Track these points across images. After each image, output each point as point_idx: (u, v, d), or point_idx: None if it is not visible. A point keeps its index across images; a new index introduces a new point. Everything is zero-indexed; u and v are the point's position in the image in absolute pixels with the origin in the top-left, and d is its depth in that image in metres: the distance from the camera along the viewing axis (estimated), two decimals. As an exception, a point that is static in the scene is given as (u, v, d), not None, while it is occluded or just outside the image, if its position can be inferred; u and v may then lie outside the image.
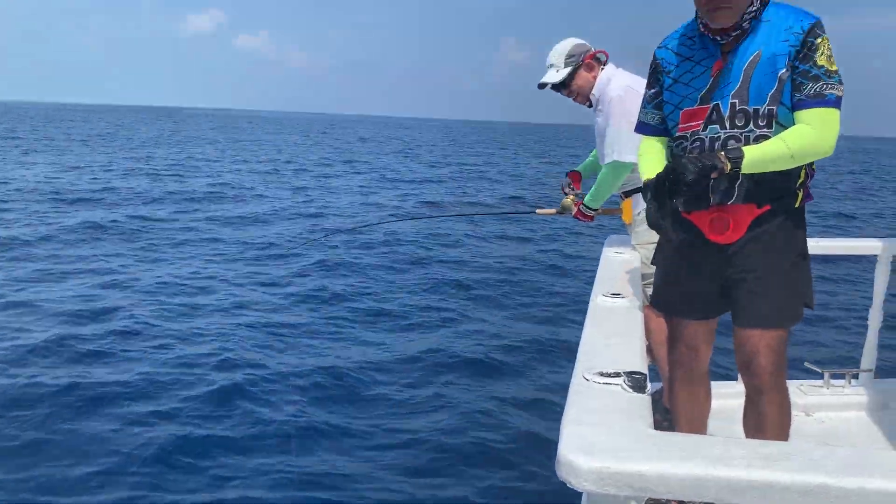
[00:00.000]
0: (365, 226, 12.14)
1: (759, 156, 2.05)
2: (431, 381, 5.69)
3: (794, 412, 3.37)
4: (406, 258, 10.43)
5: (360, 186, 21.38)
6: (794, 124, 2.10)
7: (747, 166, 2.04)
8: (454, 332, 7.00)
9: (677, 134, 2.26)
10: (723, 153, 2.05)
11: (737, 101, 2.12)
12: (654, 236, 3.14)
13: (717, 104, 2.16)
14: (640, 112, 2.41)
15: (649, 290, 3.13)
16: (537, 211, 4.05)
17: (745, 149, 2.06)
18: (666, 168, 2.11)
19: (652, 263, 2.67)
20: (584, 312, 2.10)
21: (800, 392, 3.49)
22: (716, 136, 2.16)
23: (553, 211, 3.74)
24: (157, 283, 8.39)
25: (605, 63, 3.33)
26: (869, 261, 3.59)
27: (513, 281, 9.10)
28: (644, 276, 3.09)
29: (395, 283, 8.93)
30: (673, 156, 2.27)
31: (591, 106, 3.36)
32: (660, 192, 2.07)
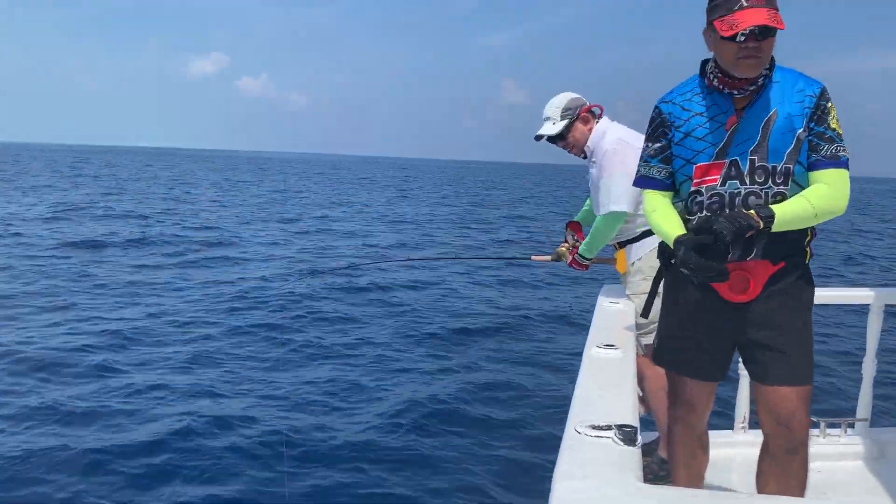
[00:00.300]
0: (357, 266, 12.04)
1: (789, 215, 2.09)
2: (418, 432, 5.60)
3: (790, 462, 3.38)
4: (397, 301, 10.39)
5: (358, 227, 21.47)
6: (807, 182, 2.17)
7: (778, 225, 2.07)
8: (444, 379, 6.89)
9: (692, 188, 2.26)
10: (753, 212, 2.08)
11: (756, 157, 2.15)
12: (649, 286, 3.20)
13: (736, 160, 2.17)
14: (643, 166, 2.38)
15: (644, 340, 3.17)
16: (533, 257, 4.10)
17: (774, 207, 2.09)
18: (700, 226, 2.13)
19: (643, 316, 2.72)
20: (578, 362, 2.13)
21: (796, 441, 3.49)
22: (735, 191, 2.17)
23: (548, 258, 3.79)
24: (127, 326, 8.36)
25: (599, 116, 3.42)
26: (863, 309, 3.63)
27: (507, 328, 9.05)
28: (639, 326, 3.13)
29: (385, 327, 8.89)
30: (707, 215, 2.20)
31: (585, 158, 3.44)
32: (703, 250, 2.08)
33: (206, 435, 5.36)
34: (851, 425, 3.61)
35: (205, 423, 5.54)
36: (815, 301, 2.33)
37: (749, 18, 2.02)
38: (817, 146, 2.15)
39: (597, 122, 3.40)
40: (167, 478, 4.76)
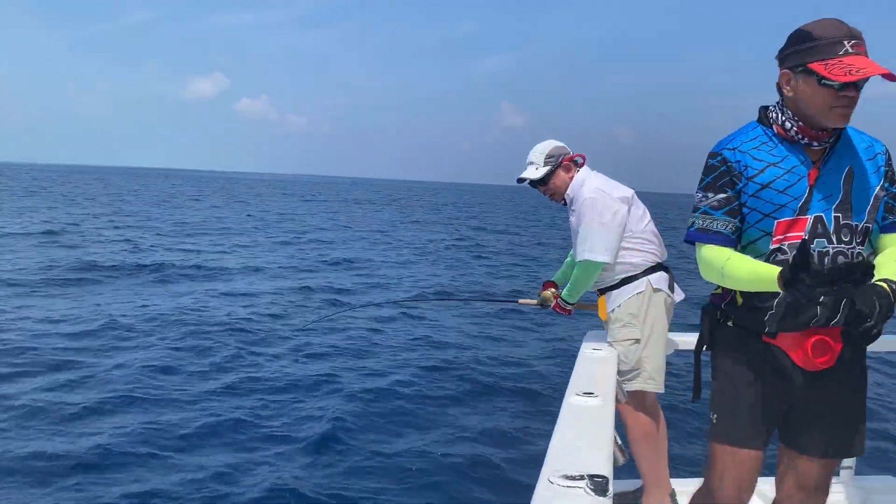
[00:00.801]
0: (341, 312, 11.95)
1: None
2: (382, 489, 5.28)
3: (774, 510, 3.36)
4: (382, 343, 10.24)
5: (346, 259, 21.19)
6: (878, 243, 2.14)
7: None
8: (418, 427, 6.61)
9: (772, 245, 2.09)
10: (886, 285, 1.85)
11: (840, 215, 2.05)
12: (630, 333, 3.22)
13: (820, 216, 2.05)
14: (702, 218, 2.17)
15: (626, 387, 3.19)
16: (520, 301, 4.14)
17: (889, 273, 1.93)
18: (842, 303, 2.00)
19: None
20: (557, 411, 2.13)
21: (781, 489, 3.48)
22: (823, 250, 2.05)
23: (534, 302, 3.83)
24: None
25: (581, 166, 3.51)
26: None
27: (488, 373, 8.90)
28: (621, 374, 3.15)
29: (363, 368, 8.76)
30: (853, 293, 1.88)
31: (565, 204, 3.51)
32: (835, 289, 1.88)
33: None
34: (836, 472, 3.60)
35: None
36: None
37: (869, 66, 1.88)
38: (893, 207, 2.12)
39: (577, 170, 3.48)
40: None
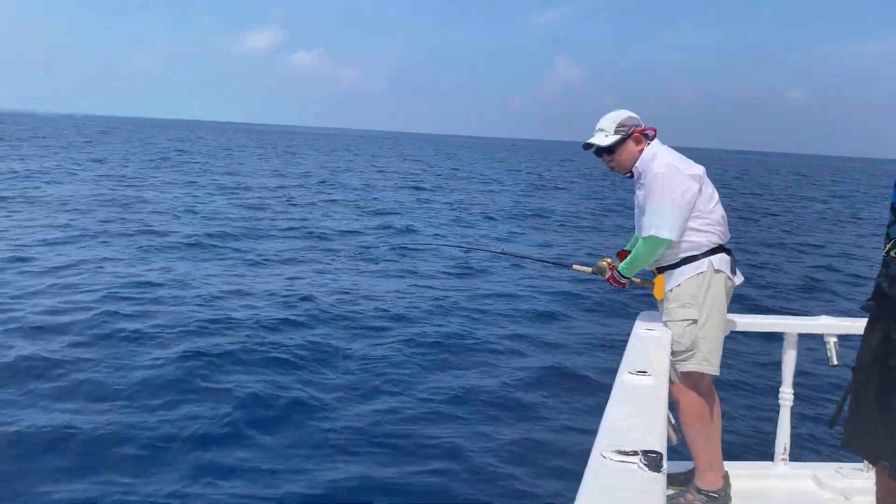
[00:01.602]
0: (406, 247, 12.90)
1: None
2: (439, 438, 5.61)
3: (832, 496, 3.31)
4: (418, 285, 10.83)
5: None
6: None
7: None
8: (466, 391, 6.85)
9: None
10: None
11: None
12: (688, 313, 3.18)
13: None
14: None
15: (679, 368, 3.15)
16: (574, 266, 4.05)
17: None
18: None
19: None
20: (610, 387, 2.13)
21: (839, 475, 3.41)
22: None
23: (589, 270, 3.76)
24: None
25: (651, 139, 3.42)
26: None
27: (539, 343, 8.98)
28: (675, 354, 3.11)
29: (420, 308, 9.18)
30: None
31: (632, 177, 3.44)
32: None
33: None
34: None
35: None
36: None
37: None
38: None
39: (648, 144, 3.40)
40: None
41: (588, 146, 3.46)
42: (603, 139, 3.40)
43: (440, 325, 8.92)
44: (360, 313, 9.24)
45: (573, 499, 1.31)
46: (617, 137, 3.37)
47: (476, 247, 14.79)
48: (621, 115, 3.42)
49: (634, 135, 3.37)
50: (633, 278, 3.49)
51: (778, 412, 3.53)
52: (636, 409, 1.92)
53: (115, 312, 8.53)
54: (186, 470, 4.95)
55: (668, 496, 2.82)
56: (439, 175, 41.95)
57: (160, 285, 10.13)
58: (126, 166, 33.73)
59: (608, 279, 3.58)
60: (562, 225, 21.25)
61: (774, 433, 3.57)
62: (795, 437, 3.65)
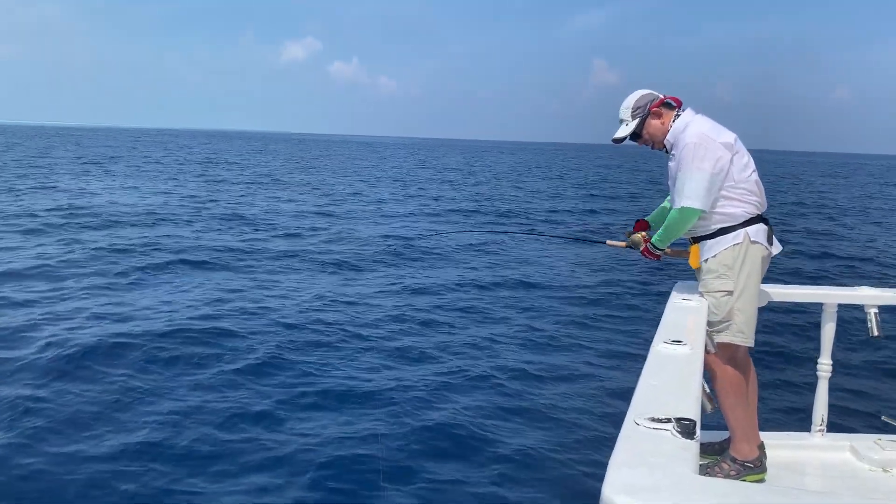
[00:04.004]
0: (436, 234, 13.17)
1: None
2: (477, 408, 5.71)
3: (870, 467, 3.29)
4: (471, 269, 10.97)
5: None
6: None
7: None
8: (504, 359, 7.02)
9: None
10: None
11: None
12: (724, 284, 3.16)
13: None
14: None
15: (717, 338, 3.14)
16: (608, 242, 4.05)
17: None
18: None
19: None
20: (645, 355, 2.14)
21: (877, 447, 3.38)
22: None
23: (623, 244, 3.76)
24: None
25: (677, 108, 3.38)
26: None
27: (576, 314, 9.04)
28: (710, 324, 3.10)
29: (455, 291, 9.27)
30: None
31: (668, 151, 3.41)
32: None
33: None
34: None
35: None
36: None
37: None
38: None
39: (677, 114, 3.36)
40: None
41: (617, 141, 3.50)
42: (625, 129, 3.45)
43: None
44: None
45: (605, 465, 1.33)
46: (636, 122, 3.40)
47: (511, 231, 15.32)
48: (632, 99, 3.44)
49: (652, 110, 3.38)
50: (666, 249, 3.48)
51: (815, 383, 3.50)
52: (671, 377, 1.93)
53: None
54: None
55: (701, 465, 2.84)
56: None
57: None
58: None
59: (643, 252, 3.57)
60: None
61: (811, 405, 3.54)
62: (833, 409, 3.62)
